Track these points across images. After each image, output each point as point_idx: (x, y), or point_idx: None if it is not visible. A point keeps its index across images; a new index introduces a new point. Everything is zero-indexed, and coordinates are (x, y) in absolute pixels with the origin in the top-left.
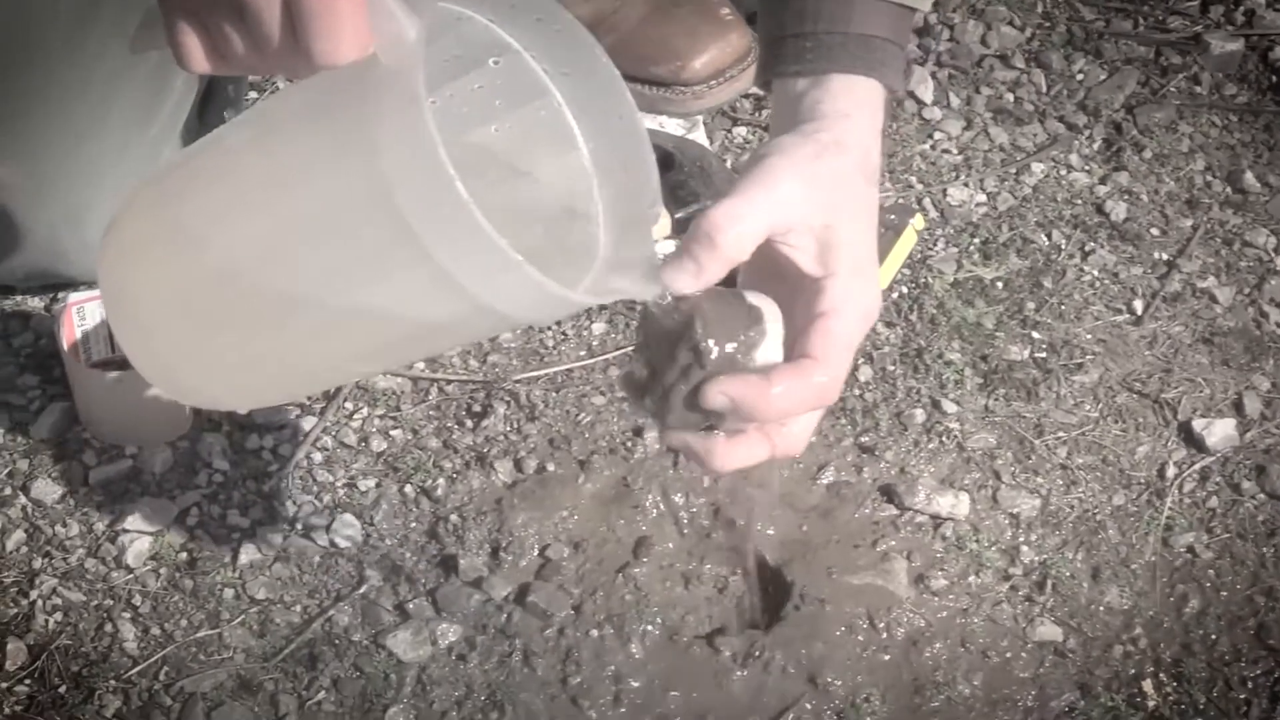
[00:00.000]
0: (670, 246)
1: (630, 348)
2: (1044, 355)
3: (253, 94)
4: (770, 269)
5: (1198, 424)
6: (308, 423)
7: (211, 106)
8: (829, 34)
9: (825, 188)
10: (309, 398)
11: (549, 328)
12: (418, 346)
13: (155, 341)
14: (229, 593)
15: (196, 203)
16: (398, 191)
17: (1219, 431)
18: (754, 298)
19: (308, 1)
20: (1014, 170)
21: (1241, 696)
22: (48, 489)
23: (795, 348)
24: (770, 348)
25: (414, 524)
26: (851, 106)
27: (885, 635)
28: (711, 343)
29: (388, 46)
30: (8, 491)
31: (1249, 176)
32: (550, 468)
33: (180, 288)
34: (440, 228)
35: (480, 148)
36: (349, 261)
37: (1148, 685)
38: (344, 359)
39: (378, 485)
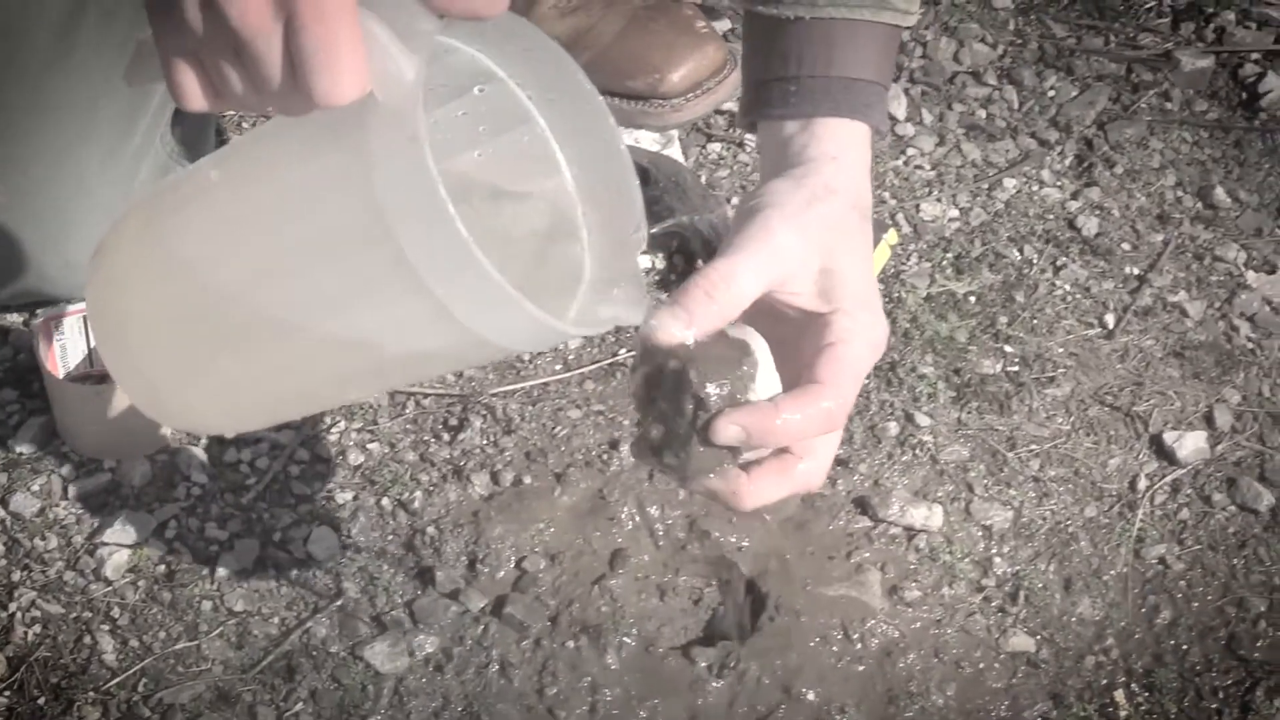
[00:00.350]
0: (644, 261)
1: (626, 393)
2: (1016, 369)
3: (231, 113)
4: (771, 311)
5: (1169, 436)
6: (285, 436)
7: (184, 122)
8: (811, 78)
9: (820, 233)
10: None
11: None
12: (408, 373)
13: (143, 366)
14: (207, 605)
15: (188, 232)
16: (396, 228)
17: (1190, 444)
18: (735, 330)
19: (307, 41)
20: (986, 186)
21: (1213, 706)
22: (26, 502)
23: (803, 375)
24: (766, 377)
25: (391, 536)
26: (838, 149)
27: (859, 646)
28: (710, 387)
29: (386, 86)
30: None
31: (1219, 192)
32: (527, 480)
33: (169, 315)
34: (438, 263)
35: (462, 173)
36: (343, 293)
37: (1120, 695)
38: (333, 385)
39: (355, 498)
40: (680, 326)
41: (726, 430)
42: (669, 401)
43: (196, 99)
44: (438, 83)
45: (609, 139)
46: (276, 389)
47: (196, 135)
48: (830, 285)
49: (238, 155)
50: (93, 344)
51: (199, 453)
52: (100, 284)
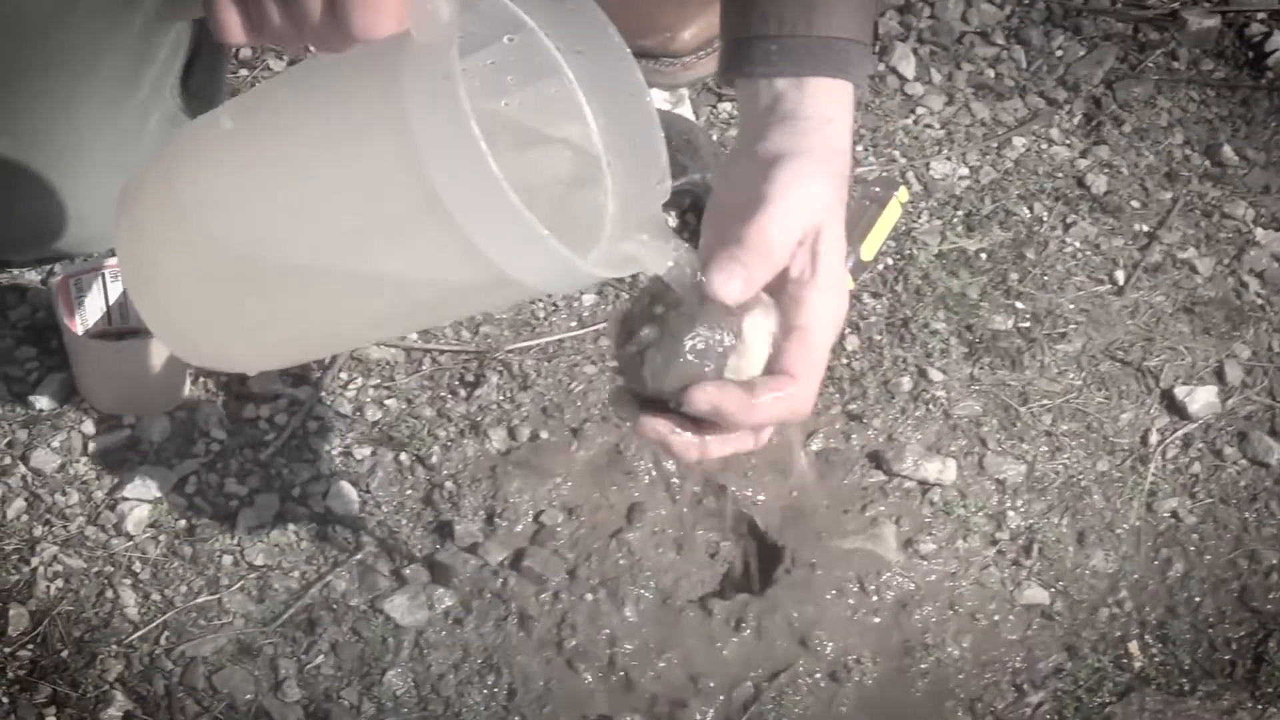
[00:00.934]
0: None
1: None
2: (1028, 325)
3: (243, 71)
4: None
5: (1180, 391)
6: (303, 393)
7: (195, 73)
8: (792, 37)
9: (834, 191)
10: (315, 363)
11: (540, 299)
12: (437, 314)
13: (171, 308)
14: (228, 559)
15: (219, 172)
16: (429, 164)
17: (1201, 399)
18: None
19: None
20: (995, 144)
21: (1225, 658)
22: (47, 458)
23: (772, 360)
24: (760, 348)
25: (409, 491)
26: (832, 110)
27: (875, 598)
28: (716, 333)
29: (422, 23)
30: (7, 461)
31: (1227, 150)
32: (543, 435)
33: (195, 261)
34: (469, 200)
35: (491, 118)
36: (373, 231)
37: (1133, 647)
38: (361, 326)
39: (373, 453)
40: (737, 281)
41: (699, 401)
42: (666, 322)
43: (236, 32)
44: (468, 29)
45: (635, 92)
46: (305, 329)
47: (208, 86)
48: (815, 253)
49: (259, 102)
50: (111, 301)
51: (218, 409)
52: (127, 230)
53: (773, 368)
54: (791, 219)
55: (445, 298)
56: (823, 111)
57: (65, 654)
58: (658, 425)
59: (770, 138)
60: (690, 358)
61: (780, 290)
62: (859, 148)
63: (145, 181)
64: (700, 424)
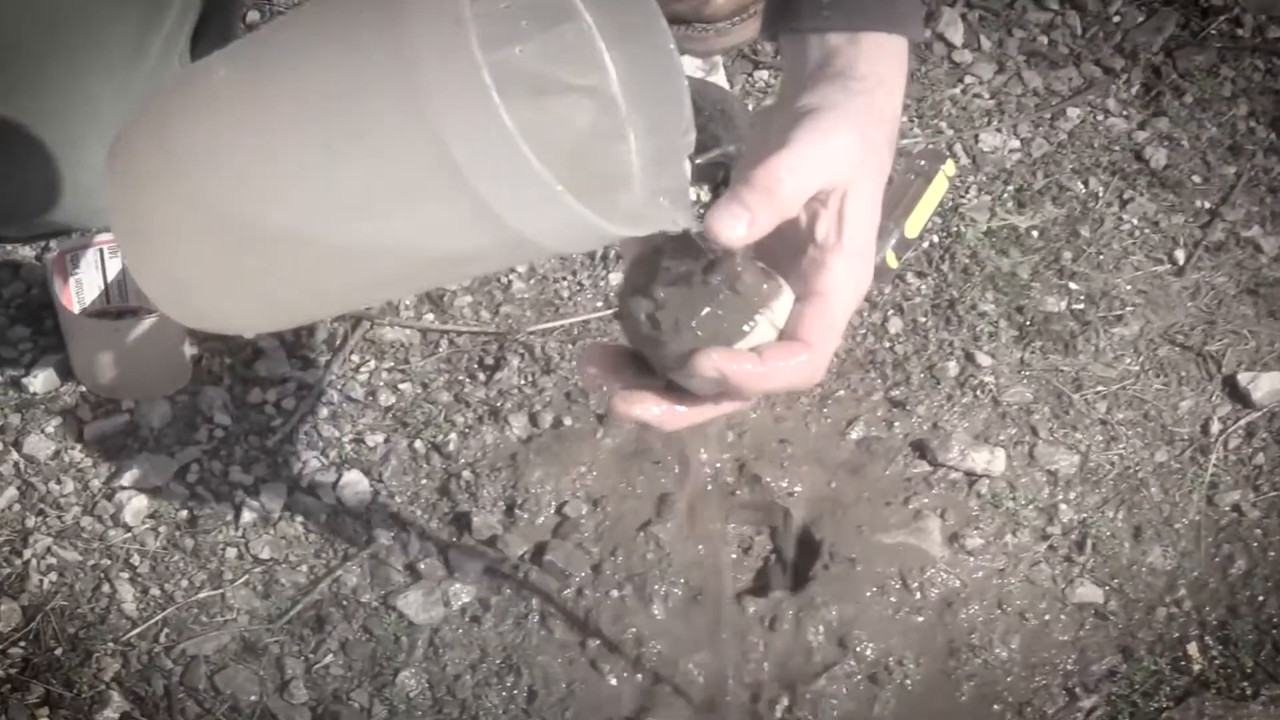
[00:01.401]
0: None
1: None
2: (1082, 307)
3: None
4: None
5: (1243, 378)
6: (312, 376)
7: (204, 40)
8: None
9: (868, 150)
10: (325, 345)
11: (564, 278)
12: (445, 274)
13: (164, 262)
14: (231, 552)
15: (216, 125)
16: (438, 118)
17: (1265, 385)
18: (768, 275)
19: None
20: (1049, 115)
21: None
22: (41, 445)
23: (787, 324)
24: (780, 312)
25: (425, 481)
26: (887, 70)
27: (919, 596)
28: (739, 267)
29: None
30: None
31: None
32: (567, 422)
33: (196, 212)
34: (480, 155)
35: (503, 66)
36: (378, 187)
37: (1192, 648)
38: (365, 287)
39: (386, 441)
40: (740, 224)
41: (705, 368)
42: (688, 285)
43: None
44: None
45: (659, 41)
46: (306, 290)
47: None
48: (844, 215)
49: (254, 52)
50: (110, 279)
51: (222, 393)
52: (118, 179)
53: (786, 332)
54: (807, 167)
55: (456, 258)
56: (877, 70)
57: (59, 652)
58: (642, 400)
59: (815, 93)
60: (703, 329)
61: (801, 253)
62: (903, 119)
63: (138, 128)
64: (685, 396)
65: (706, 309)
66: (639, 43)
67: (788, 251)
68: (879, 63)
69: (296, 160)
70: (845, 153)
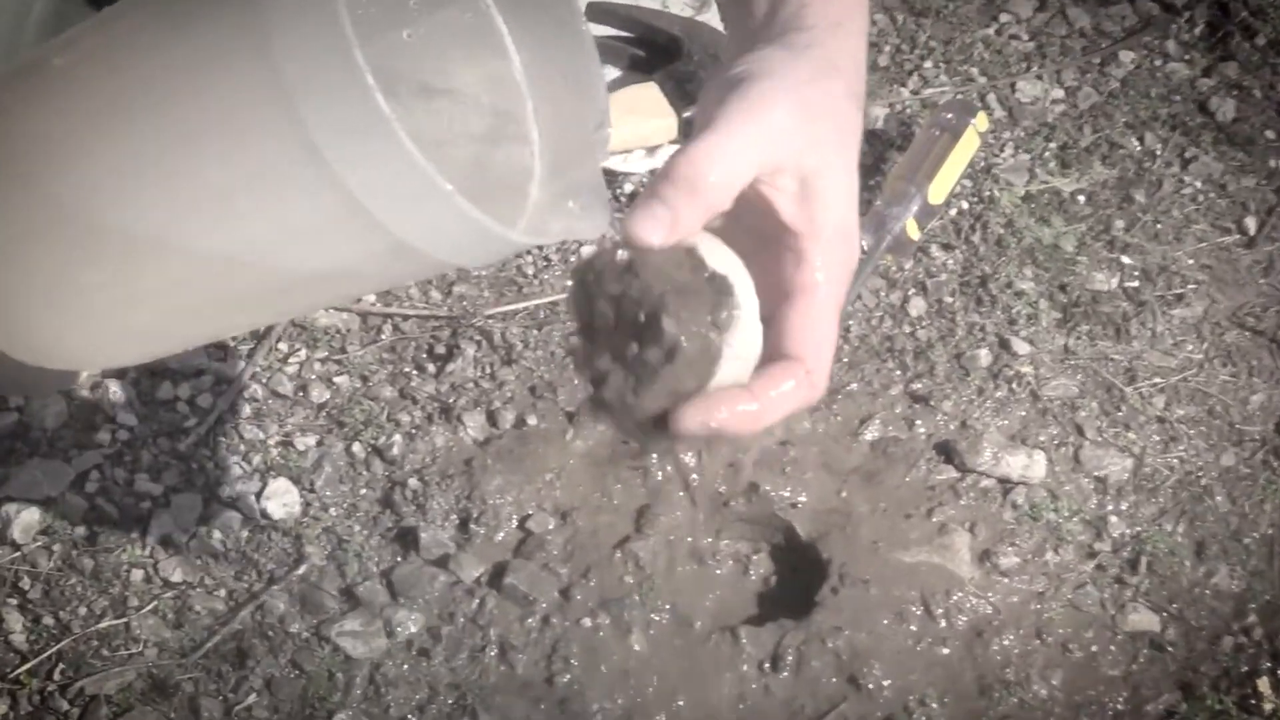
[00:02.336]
0: (633, 164)
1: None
2: (1136, 284)
3: None
4: (734, 213)
5: None
6: (232, 368)
7: None
8: None
9: (818, 119)
10: (249, 332)
11: (528, 253)
12: (319, 294)
13: None
14: (138, 574)
15: (50, 119)
16: (301, 101)
17: None
18: (712, 253)
19: None
20: (1098, 60)
21: None
22: None
23: (772, 334)
24: (747, 330)
25: (364, 490)
26: (842, 13)
27: (943, 624)
28: (677, 333)
29: None
30: None
31: None
32: (531, 421)
33: (28, 218)
34: (350, 145)
35: (387, 59)
36: (238, 184)
37: (1263, 684)
38: (225, 304)
39: (319, 443)
40: (659, 228)
41: (692, 426)
42: (620, 336)
43: None
44: None
45: (567, 16)
46: (155, 312)
47: None
48: (812, 192)
49: (95, 38)
50: None
51: (125, 388)
52: None
53: (773, 347)
54: (736, 151)
55: (330, 271)
56: (830, 14)
57: None
58: (690, 422)
59: (752, 56)
60: (665, 371)
61: (773, 245)
62: (927, 64)
63: None
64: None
65: (652, 350)
66: (543, 19)
67: (756, 244)
68: (833, 5)
69: (144, 154)
70: (782, 130)
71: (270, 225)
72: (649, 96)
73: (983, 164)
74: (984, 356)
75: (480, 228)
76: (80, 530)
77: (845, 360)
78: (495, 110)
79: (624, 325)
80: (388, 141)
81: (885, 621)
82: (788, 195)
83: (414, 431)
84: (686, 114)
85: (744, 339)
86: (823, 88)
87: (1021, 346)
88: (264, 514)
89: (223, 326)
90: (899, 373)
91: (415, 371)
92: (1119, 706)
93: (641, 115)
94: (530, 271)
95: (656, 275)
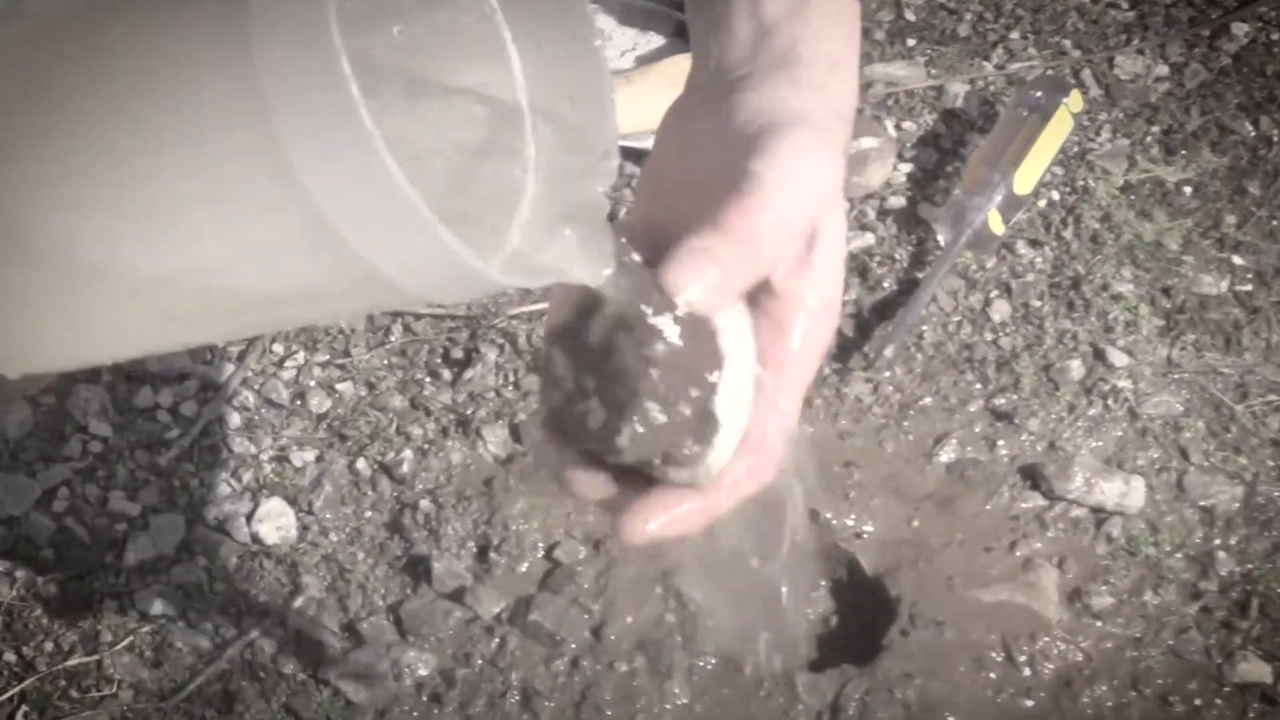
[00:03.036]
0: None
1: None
2: (1249, 288)
3: None
4: None
5: None
6: (220, 372)
7: None
8: None
9: (838, 173)
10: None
11: None
12: (270, 316)
13: None
14: (111, 606)
15: None
16: (273, 106)
17: None
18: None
19: None
20: (1207, 33)
21: None
22: None
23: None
24: (730, 395)
25: (369, 513)
26: (839, 49)
27: (1028, 672)
28: (655, 410)
29: None
30: None
31: None
32: None
33: None
34: (324, 161)
35: (373, 56)
36: (192, 188)
37: None
38: (166, 323)
39: (319, 459)
40: (711, 290)
41: (638, 534)
42: (613, 356)
43: None
44: None
45: (580, 30)
46: (85, 319)
47: None
48: (808, 260)
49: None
50: None
51: (99, 392)
52: None
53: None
54: (792, 211)
55: (286, 294)
56: (828, 52)
57: None
58: (590, 483)
59: (758, 91)
60: (651, 417)
61: (749, 308)
62: (1014, 34)
63: None
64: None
65: (647, 398)
66: (554, 29)
67: None
68: (828, 39)
69: (86, 153)
70: (823, 181)
71: (226, 241)
72: None
73: (1076, 149)
74: (1076, 369)
75: (461, 263)
76: (47, 554)
77: (918, 372)
78: (489, 122)
79: (619, 360)
80: (367, 158)
81: (961, 669)
82: (787, 258)
83: (426, 447)
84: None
85: (741, 388)
86: (834, 134)
87: (1119, 358)
88: (255, 539)
89: (161, 342)
90: (979, 386)
91: (429, 378)
92: None
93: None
94: None
95: (649, 332)
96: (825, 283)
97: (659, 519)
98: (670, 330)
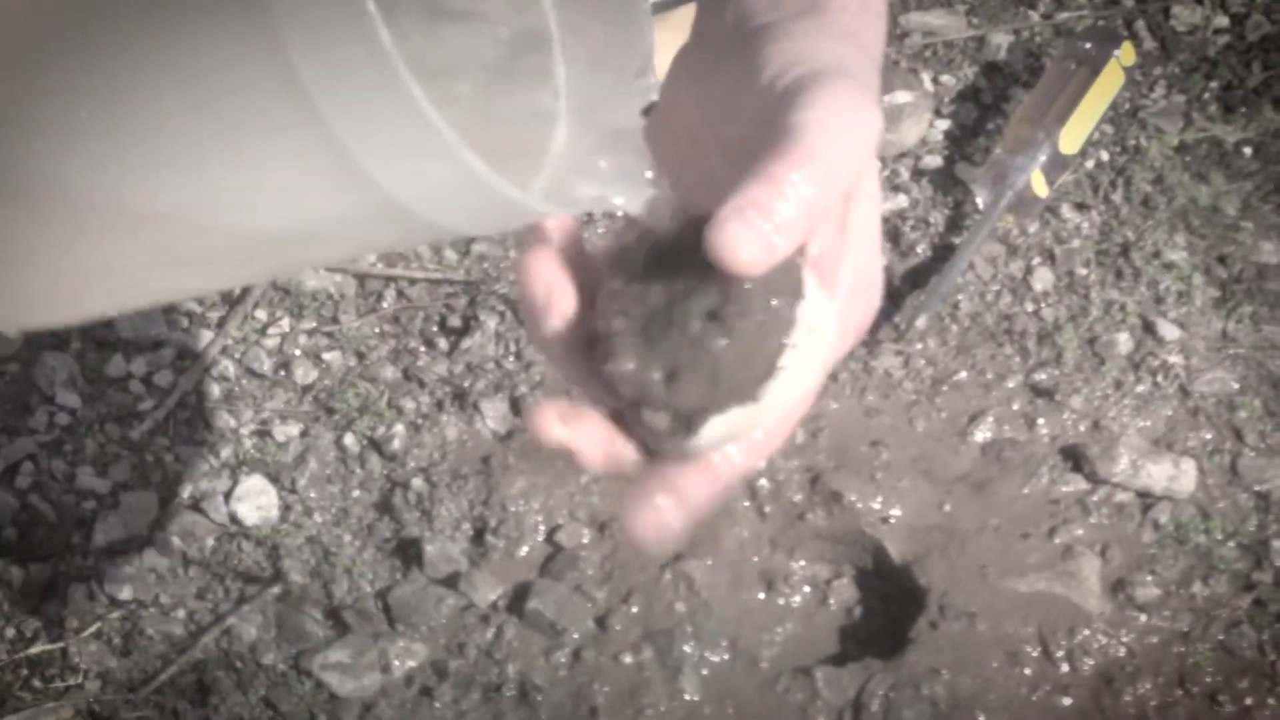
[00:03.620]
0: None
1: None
2: None
3: None
4: None
5: None
6: (198, 339)
7: None
8: None
9: (879, 130)
10: (218, 294)
11: None
12: (288, 256)
13: None
14: (78, 590)
15: None
16: (284, 27)
17: None
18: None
19: None
20: None
21: None
22: None
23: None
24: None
25: (357, 492)
26: (861, 2)
27: (1066, 668)
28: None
29: None
30: None
31: None
32: None
33: None
34: (343, 85)
35: None
36: (194, 124)
37: None
38: (162, 270)
39: (303, 434)
40: (758, 247)
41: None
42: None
43: None
44: None
45: None
46: (83, 262)
47: None
48: (845, 226)
49: None
50: None
51: (67, 361)
52: None
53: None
54: (840, 164)
55: (301, 230)
56: (850, 4)
57: None
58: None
59: (785, 37)
60: (724, 367)
61: None
62: None
63: None
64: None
65: (720, 339)
66: None
67: None
68: None
69: (86, 83)
70: (868, 138)
71: (236, 172)
72: None
73: (1127, 106)
74: (1123, 342)
75: (493, 191)
76: (9, 534)
77: (953, 344)
78: (513, 43)
79: (681, 303)
80: (386, 78)
81: (994, 664)
82: (828, 222)
83: (420, 421)
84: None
85: (816, 343)
86: (876, 90)
87: (1170, 331)
88: (234, 519)
89: (162, 293)
90: (1018, 360)
91: (423, 348)
92: None
93: None
94: None
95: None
96: (863, 253)
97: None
98: (738, 292)
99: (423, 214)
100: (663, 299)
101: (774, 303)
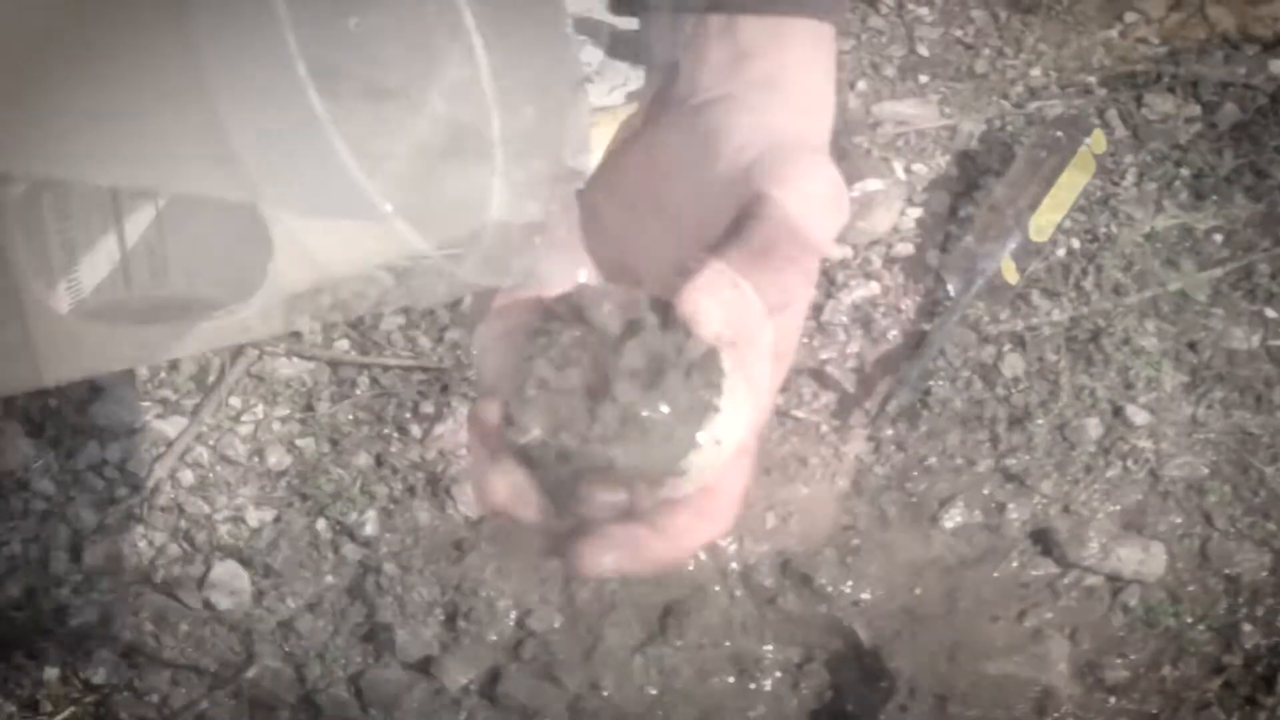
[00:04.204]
0: None
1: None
2: None
3: None
4: None
5: None
6: (173, 426)
7: None
8: None
9: (845, 206)
10: (192, 382)
11: None
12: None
13: None
14: (52, 674)
15: None
16: (222, 98)
17: None
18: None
19: None
20: (1243, 69)
21: None
22: None
23: None
24: (732, 414)
25: (330, 577)
26: (820, 77)
27: None
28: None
29: None
30: None
31: None
32: None
33: None
34: (278, 157)
35: (328, 55)
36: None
37: None
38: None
39: (277, 520)
40: (737, 313)
41: (597, 562)
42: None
43: None
44: None
45: (550, 16)
46: None
47: None
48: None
49: None
50: None
51: (42, 449)
52: None
53: None
54: (811, 236)
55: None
56: (808, 82)
57: None
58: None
59: (745, 110)
60: (657, 423)
61: None
62: (1035, 71)
63: None
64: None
65: (649, 405)
66: (522, 17)
67: None
68: (810, 67)
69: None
70: (838, 212)
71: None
72: None
73: (1098, 194)
74: (1093, 427)
75: (419, 262)
76: None
77: (924, 430)
78: (454, 124)
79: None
80: (322, 154)
81: None
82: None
83: (392, 507)
84: None
85: (728, 424)
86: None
87: (1139, 416)
88: (207, 604)
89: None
90: (988, 445)
91: (396, 434)
92: None
93: None
94: None
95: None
96: (786, 334)
97: (614, 551)
98: (676, 355)
99: (316, 254)
100: (584, 376)
101: (693, 379)
